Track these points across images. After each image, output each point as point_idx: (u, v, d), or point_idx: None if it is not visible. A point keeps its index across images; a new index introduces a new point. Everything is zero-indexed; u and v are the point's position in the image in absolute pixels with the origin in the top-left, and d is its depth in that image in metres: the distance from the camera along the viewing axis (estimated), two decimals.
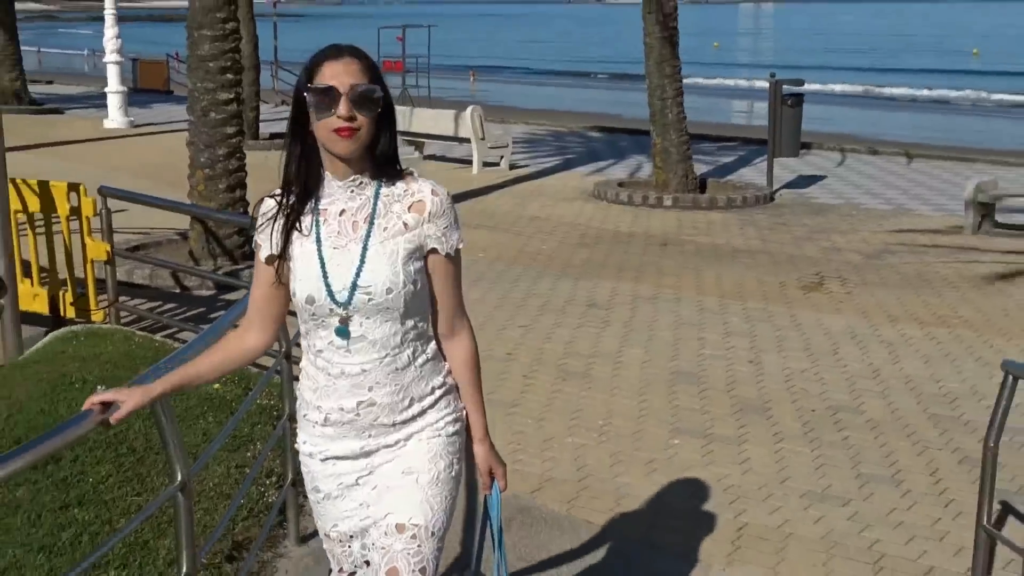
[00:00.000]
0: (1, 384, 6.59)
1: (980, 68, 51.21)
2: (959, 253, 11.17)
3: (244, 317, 2.87)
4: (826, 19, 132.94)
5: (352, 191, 2.65)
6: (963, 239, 11.83)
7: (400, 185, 2.68)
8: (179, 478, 3.16)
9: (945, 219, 12.99)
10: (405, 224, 2.63)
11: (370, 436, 2.74)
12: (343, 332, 2.62)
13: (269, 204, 2.76)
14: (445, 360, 2.89)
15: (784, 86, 14.55)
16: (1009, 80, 43.11)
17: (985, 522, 4.06)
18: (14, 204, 7.79)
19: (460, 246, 2.75)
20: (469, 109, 16.71)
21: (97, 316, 8.12)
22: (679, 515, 5.34)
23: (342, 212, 2.65)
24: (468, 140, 16.75)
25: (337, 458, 2.77)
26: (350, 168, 2.64)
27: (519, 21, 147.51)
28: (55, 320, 8.19)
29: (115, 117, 22.72)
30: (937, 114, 32.60)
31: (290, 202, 2.68)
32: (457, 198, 14.76)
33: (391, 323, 2.64)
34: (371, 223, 2.63)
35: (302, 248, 2.66)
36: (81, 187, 8.02)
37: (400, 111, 18.45)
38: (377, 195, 2.65)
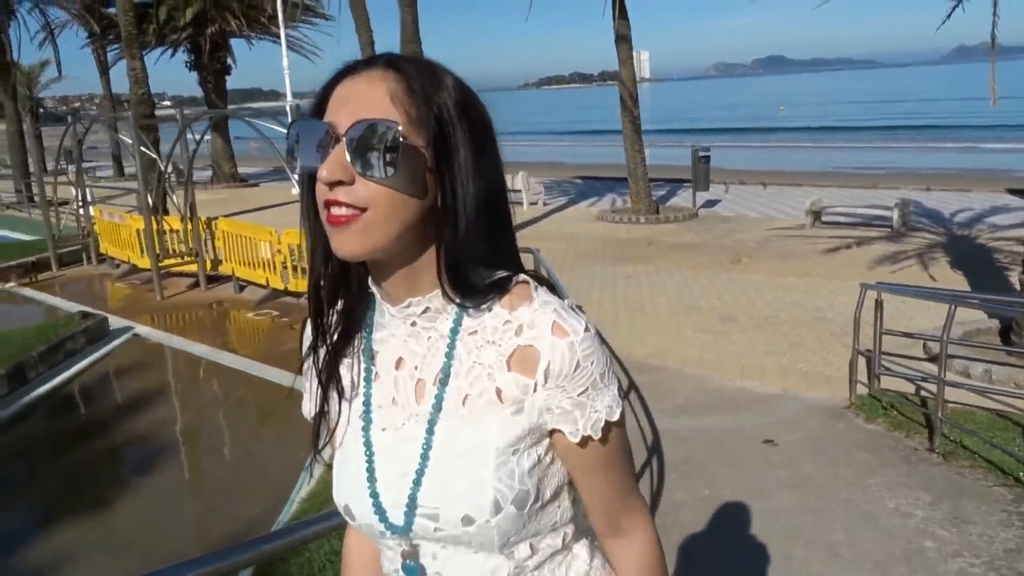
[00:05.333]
0: None
1: (786, 124, 52.01)
2: (805, 239, 12.95)
3: None
4: (681, 95, 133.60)
5: (414, 323, 0.99)
6: (806, 232, 13.65)
7: (499, 312, 0.97)
8: None
9: (793, 220, 14.68)
10: (499, 392, 0.95)
11: None
12: (410, 570, 1.02)
13: (309, 332, 1.07)
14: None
15: (700, 152, 16.51)
16: (808, 133, 44.71)
17: (856, 348, 6.25)
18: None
19: (613, 418, 0.98)
20: (521, 173, 18.25)
21: None
22: (710, 362, 7.33)
23: (399, 362, 1.01)
24: (519, 191, 18.00)
25: None
26: (400, 285, 0.98)
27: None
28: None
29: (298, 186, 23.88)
30: (774, 153, 34.09)
31: (327, 335, 1.04)
32: (518, 228, 17.52)
33: (486, 554, 1.00)
34: (443, 386, 0.97)
35: (347, 421, 1.05)
36: None
37: None
38: (456, 332, 0.98)
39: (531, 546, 1.01)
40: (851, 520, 4.29)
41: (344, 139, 0.88)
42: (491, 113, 0.99)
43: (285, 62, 23.45)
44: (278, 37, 24.59)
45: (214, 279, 12.12)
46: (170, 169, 12.41)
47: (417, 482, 0.97)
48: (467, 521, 0.95)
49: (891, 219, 13.38)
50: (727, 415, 6.15)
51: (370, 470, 1.00)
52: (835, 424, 5.85)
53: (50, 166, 18.44)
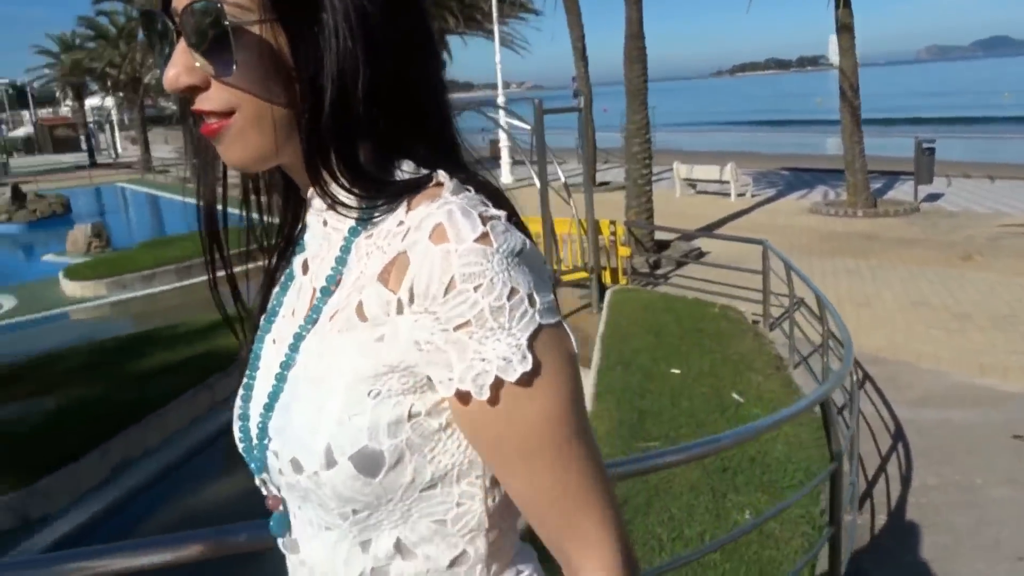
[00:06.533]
0: (614, 310, 9.05)
1: (1014, 112, 46.46)
2: None
3: None
4: (890, 80, 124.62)
5: (325, 221, 0.78)
6: None
7: (399, 213, 0.72)
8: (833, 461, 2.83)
9: None
10: (360, 306, 0.70)
11: None
12: (277, 521, 0.81)
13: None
14: None
15: (924, 143, 15.90)
16: None
17: None
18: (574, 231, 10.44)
19: (509, 376, 0.65)
20: (729, 164, 18.10)
21: (623, 281, 10.47)
22: (946, 358, 7.26)
23: (305, 266, 0.82)
24: (727, 182, 18.06)
25: None
26: (305, 178, 0.73)
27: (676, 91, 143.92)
28: (602, 286, 10.18)
29: (506, 176, 23.90)
30: (1001, 144, 31.45)
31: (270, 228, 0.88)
32: (727, 219, 14.49)
33: (337, 536, 0.75)
34: (323, 296, 0.76)
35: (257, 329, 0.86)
36: (618, 223, 10.41)
37: (684, 167, 19.94)
38: (355, 234, 0.75)
39: (398, 543, 0.74)
40: None
41: (181, 31, 0.69)
42: None
43: (497, 57, 24.53)
44: (490, 33, 25.79)
45: None
46: None
47: (269, 407, 0.77)
48: (296, 467, 0.72)
49: None
50: (970, 410, 6.18)
51: (247, 387, 0.82)
52: None
53: None
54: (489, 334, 0.64)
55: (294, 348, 0.76)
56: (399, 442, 0.69)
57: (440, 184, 0.72)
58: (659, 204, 13.33)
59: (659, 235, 12.38)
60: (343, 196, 0.71)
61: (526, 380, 0.65)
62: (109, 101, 47.53)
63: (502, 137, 24.50)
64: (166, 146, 50.87)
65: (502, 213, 0.69)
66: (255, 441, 0.78)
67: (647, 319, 8.53)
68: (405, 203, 0.72)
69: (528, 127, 9.73)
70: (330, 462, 0.69)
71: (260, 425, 0.77)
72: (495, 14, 24.33)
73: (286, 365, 0.76)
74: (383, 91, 0.70)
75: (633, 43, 12.15)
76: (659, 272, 11.44)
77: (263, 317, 0.85)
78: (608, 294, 9.82)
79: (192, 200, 0.84)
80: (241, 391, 0.83)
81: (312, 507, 0.75)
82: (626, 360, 7.19)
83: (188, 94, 0.70)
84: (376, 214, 0.72)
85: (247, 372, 0.83)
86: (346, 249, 0.75)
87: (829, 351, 6.34)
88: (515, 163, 24.62)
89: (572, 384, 0.69)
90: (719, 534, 4.27)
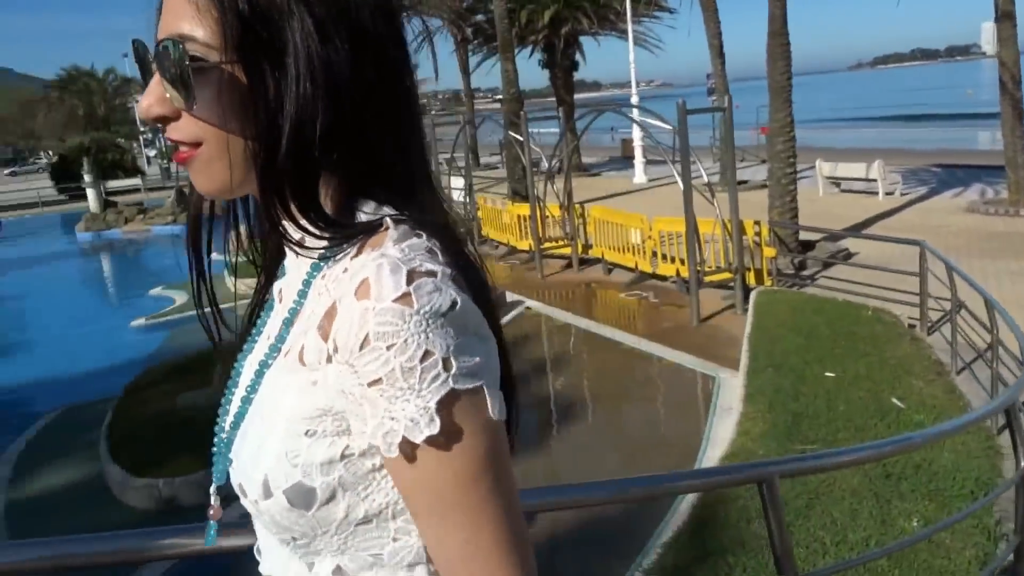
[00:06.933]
0: (760, 312, 8.95)
1: None
2: None
3: None
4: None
5: (297, 253, 0.77)
6: None
7: (347, 260, 0.73)
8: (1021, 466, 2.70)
9: None
10: (302, 351, 0.73)
11: None
12: (212, 530, 0.89)
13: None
14: None
15: None
16: None
17: None
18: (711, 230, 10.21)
19: (415, 437, 0.66)
20: (877, 161, 17.45)
21: (768, 283, 10.25)
22: None
23: (280, 294, 0.87)
24: (874, 180, 17.39)
25: None
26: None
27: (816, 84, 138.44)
28: (746, 288, 10.00)
29: (640, 175, 24.17)
30: None
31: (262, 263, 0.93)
32: (874, 219, 13.75)
33: (288, 552, 0.80)
34: (286, 327, 0.80)
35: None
36: (762, 223, 10.30)
37: (829, 164, 19.37)
38: (316, 270, 0.78)
39: (338, 569, 0.77)
40: None
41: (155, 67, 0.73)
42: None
43: (631, 56, 24.52)
44: (623, 32, 25.77)
45: (583, 261, 13.32)
46: (524, 160, 13.87)
47: (235, 426, 0.81)
48: (241, 491, 0.77)
49: None
50: None
51: (226, 403, 0.85)
52: None
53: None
54: (399, 394, 0.65)
55: (259, 375, 0.80)
56: (331, 480, 0.71)
57: (384, 225, 0.72)
58: (802, 203, 12.97)
59: (803, 235, 12.08)
60: (296, 234, 0.73)
61: (434, 442, 0.66)
62: None
63: (635, 136, 24.56)
64: None
65: (439, 269, 0.68)
66: (221, 453, 0.82)
67: (795, 321, 8.38)
68: (357, 247, 0.73)
69: (667, 126, 9.72)
70: (267, 493, 0.73)
71: (226, 441, 0.81)
72: (629, 14, 24.31)
73: (251, 390, 0.80)
74: (343, 135, 0.72)
75: (776, 40, 11.91)
76: (804, 273, 11.17)
77: (249, 335, 0.89)
78: (753, 295, 9.68)
79: None
80: (221, 403, 0.86)
81: (266, 525, 0.78)
82: (776, 362, 7.11)
83: (161, 123, 0.74)
84: (338, 253, 0.74)
85: (227, 386, 0.86)
86: (307, 283, 0.77)
87: (998, 358, 6.07)
88: (649, 162, 24.53)
89: (487, 447, 0.68)
90: (885, 540, 4.22)
